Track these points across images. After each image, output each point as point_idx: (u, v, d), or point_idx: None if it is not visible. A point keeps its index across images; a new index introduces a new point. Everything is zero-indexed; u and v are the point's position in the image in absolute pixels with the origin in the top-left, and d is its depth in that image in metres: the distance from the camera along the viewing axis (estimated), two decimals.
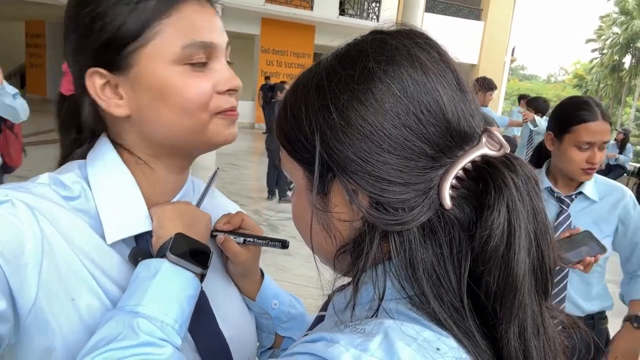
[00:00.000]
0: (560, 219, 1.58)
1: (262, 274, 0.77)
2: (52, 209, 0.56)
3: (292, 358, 0.42)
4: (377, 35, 0.48)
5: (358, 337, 0.40)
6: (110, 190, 0.61)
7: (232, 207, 0.84)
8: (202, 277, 0.61)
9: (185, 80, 0.59)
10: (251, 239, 0.70)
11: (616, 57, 32.37)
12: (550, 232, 0.45)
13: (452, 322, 0.42)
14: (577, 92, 39.80)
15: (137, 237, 0.62)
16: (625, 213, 1.58)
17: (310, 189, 0.48)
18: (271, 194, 6.47)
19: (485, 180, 0.43)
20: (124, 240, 0.60)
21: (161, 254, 0.58)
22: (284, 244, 0.72)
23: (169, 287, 0.55)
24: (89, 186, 0.61)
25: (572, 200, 1.59)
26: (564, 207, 1.59)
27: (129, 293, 0.55)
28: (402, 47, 0.46)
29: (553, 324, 0.47)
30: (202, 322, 0.64)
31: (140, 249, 0.61)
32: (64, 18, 0.61)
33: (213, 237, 0.70)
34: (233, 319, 0.70)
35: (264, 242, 0.71)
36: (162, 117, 0.59)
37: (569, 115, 1.53)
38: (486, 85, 4.66)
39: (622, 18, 31.61)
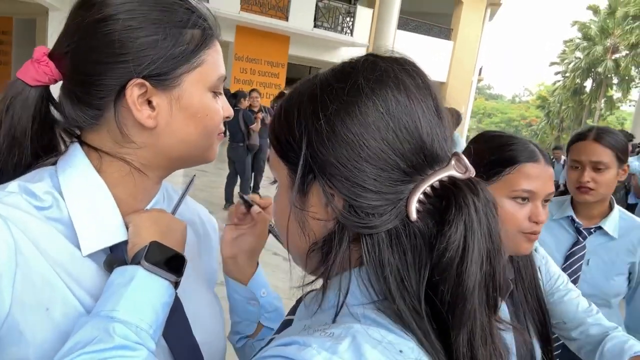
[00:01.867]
0: (575, 249, 1.55)
1: (257, 263, 0.81)
2: (24, 219, 0.56)
3: None
4: (371, 57, 0.53)
5: (328, 340, 0.43)
6: (84, 200, 0.61)
7: (203, 212, 0.86)
8: (176, 285, 0.62)
9: (216, 106, 0.66)
10: (274, 227, 0.75)
11: (578, 80, 33.63)
12: (503, 253, 0.50)
13: (414, 321, 0.46)
14: (540, 113, 41.15)
15: (112, 246, 0.63)
16: None
17: (292, 188, 0.52)
18: (229, 202, 6.33)
19: (448, 198, 0.48)
20: (101, 250, 0.61)
21: (136, 261, 0.58)
22: None
23: (144, 293, 0.56)
24: (61, 195, 0.60)
25: (590, 233, 1.55)
26: (580, 238, 1.56)
27: (104, 299, 0.55)
28: (391, 70, 0.51)
29: (500, 335, 0.51)
30: (175, 327, 0.65)
31: (114, 256, 0.62)
32: (100, 20, 0.59)
33: (249, 206, 0.77)
34: (205, 323, 0.71)
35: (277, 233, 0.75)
36: (187, 134, 0.64)
37: (571, 140, 1.56)
38: (455, 121, 4.87)
39: (585, 43, 32.87)
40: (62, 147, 0.68)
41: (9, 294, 0.52)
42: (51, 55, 0.63)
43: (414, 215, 0.48)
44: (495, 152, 1.01)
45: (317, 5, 14.85)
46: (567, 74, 34.75)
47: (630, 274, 1.55)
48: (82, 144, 0.65)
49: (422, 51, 16.41)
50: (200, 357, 0.68)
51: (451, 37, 18.41)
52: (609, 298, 1.52)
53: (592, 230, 1.56)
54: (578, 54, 33.77)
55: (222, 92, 0.69)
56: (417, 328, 0.46)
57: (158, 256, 0.59)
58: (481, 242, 0.47)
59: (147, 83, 0.60)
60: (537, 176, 0.98)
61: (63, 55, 0.62)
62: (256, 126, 6.38)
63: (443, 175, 0.49)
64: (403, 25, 16.80)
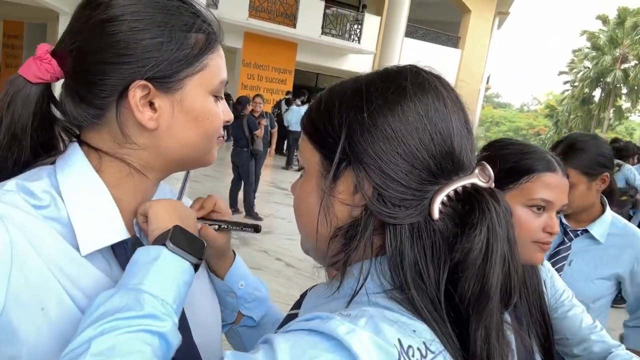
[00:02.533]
0: (560, 248, 1.58)
1: (234, 255, 0.82)
2: (21, 218, 0.56)
3: (290, 334, 0.47)
4: (414, 67, 0.58)
5: (346, 318, 0.47)
6: (83, 200, 0.61)
7: None
8: (196, 267, 0.62)
9: (216, 110, 0.67)
10: (226, 225, 0.74)
11: (586, 90, 33.53)
12: (519, 257, 0.55)
13: (426, 310, 0.50)
14: (548, 122, 40.99)
15: (114, 246, 0.63)
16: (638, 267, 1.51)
17: (323, 174, 0.56)
18: (233, 207, 6.33)
19: (471, 203, 0.52)
20: (98, 250, 0.61)
21: (160, 242, 0.59)
22: (256, 229, 0.77)
23: (169, 271, 0.57)
24: (60, 195, 0.60)
25: (577, 235, 1.58)
26: (566, 239, 1.58)
27: (131, 274, 0.56)
28: (432, 80, 0.56)
29: (507, 333, 0.55)
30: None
31: (138, 240, 0.63)
32: (105, 20, 0.59)
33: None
34: (205, 324, 0.73)
35: (239, 227, 0.76)
36: (188, 137, 0.65)
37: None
38: None
39: (594, 53, 32.84)
40: (61, 146, 0.68)
41: (4, 292, 0.52)
42: (54, 53, 0.63)
43: (436, 214, 0.52)
44: (512, 160, 0.99)
45: (325, 12, 14.94)
46: (576, 84, 34.67)
47: (619, 283, 1.56)
48: (82, 143, 0.65)
49: (430, 59, 16.31)
50: (199, 358, 0.68)
51: (459, 45, 18.44)
52: (587, 301, 1.49)
53: (578, 232, 1.58)
54: (587, 63, 33.71)
55: (223, 96, 0.70)
56: (429, 315, 0.49)
57: (181, 239, 0.60)
58: (502, 245, 0.51)
59: (150, 85, 0.60)
60: (555, 186, 0.98)
61: (66, 53, 0.62)
62: (260, 132, 6.43)
63: (467, 182, 0.54)
64: (411, 33, 16.84)
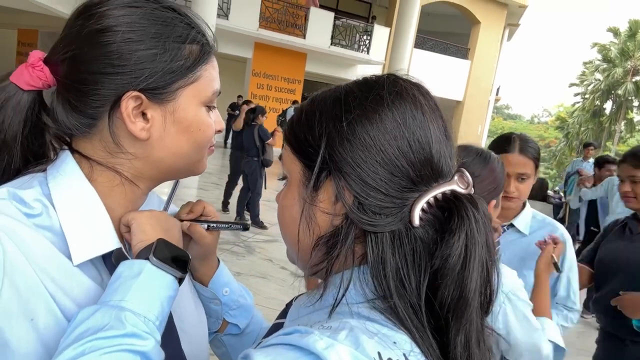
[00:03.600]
0: None
1: (218, 261, 0.82)
2: (13, 226, 0.55)
3: (270, 349, 0.47)
4: (392, 76, 0.58)
5: (327, 331, 0.47)
6: (75, 209, 0.61)
7: None
8: (180, 281, 0.62)
9: (209, 121, 0.67)
10: (214, 224, 0.75)
11: (597, 102, 33.29)
12: (498, 263, 0.55)
13: (408, 318, 0.50)
14: (559, 134, 40.74)
15: (105, 256, 0.62)
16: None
17: (304, 183, 0.56)
18: (239, 216, 6.36)
19: (450, 209, 0.52)
20: (89, 259, 0.60)
21: (143, 256, 0.59)
22: (245, 227, 0.79)
23: (152, 286, 0.57)
24: (52, 203, 0.60)
25: (504, 230, 1.67)
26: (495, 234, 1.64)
27: (112, 290, 0.56)
28: (410, 89, 0.56)
29: (488, 338, 0.55)
30: (165, 337, 0.63)
31: (122, 252, 0.62)
32: (99, 30, 0.59)
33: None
34: (193, 333, 0.73)
35: (226, 226, 0.77)
36: (179, 147, 0.65)
37: (493, 147, 1.67)
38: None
39: (605, 65, 32.68)
40: (52, 154, 0.67)
41: None
42: (47, 61, 0.63)
43: (416, 221, 0.52)
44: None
45: (334, 23, 15.04)
46: (587, 96, 34.45)
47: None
48: (73, 152, 0.64)
49: (439, 70, 16.45)
50: None
51: (468, 56, 18.44)
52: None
53: (505, 227, 1.67)
54: (598, 75, 33.52)
55: (216, 106, 0.70)
56: (411, 324, 0.50)
57: (165, 253, 0.60)
58: (481, 252, 0.51)
59: (143, 96, 0.60)
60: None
61: (59, 61, 0.62)
62: (272, 141, 6.39)
63: (446, 188, 0.54)
64: (420, 44, 16.89)
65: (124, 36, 0.59)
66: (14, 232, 0.54)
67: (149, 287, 0.56)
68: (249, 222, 0.90)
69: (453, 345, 0.50)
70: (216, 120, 0.70)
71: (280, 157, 0.64)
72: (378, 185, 0.52)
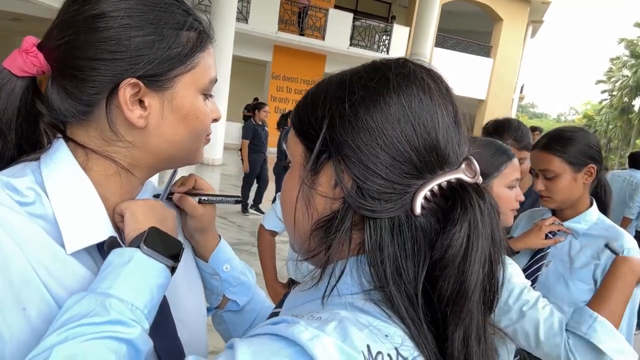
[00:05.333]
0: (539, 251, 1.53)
1: (220, 239, 0.82)
2: (5, 214, 0.54)
3: (255, 339, 0.46)
4: (402, 59, 0.55)
5: (315, 322, 0.45)
6: (69, 197, 0.60)
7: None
8: (172, 270, 0.62)
9: (206, 109, 0.67)
10: (205, 197, 0.75)
11: (626, 99, 32.49)
12: (503, 258, 0.52)
13: (404, 308, 0.48)
14: None
15: (100, 244, 0.61)
16: None
17: (305, 166, 0.54)
18: (255, 207, 6.60)
19: (454, 198, 0.50)
20: (85, 248, 0.60)
21: (134, 245, 0.58)
22: (237, 200, 0.80)
23: (141, 274, 0.56)
24: (45, 192, 0.59)
25: (555, 234, 1.52)
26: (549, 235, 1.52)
27: (101, 277, 0.55)
28: (419, 72, 0.53)
29: (491, 336, 0.53)
30: (161, 327, 0.65)
31: (115, 239, 0.62)
32: (96, 15, 0.58)
33: (169, 198, 0.75)
34: (190, 322, 0.72)
35: (218, 199, 0.77)
36: (177, 135, 0.64)
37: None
38: None
39: (633, 61, 31.89)
40: (46, 143, 0.66)
41: None
42: (41, 46, 0.61)
43: (418, 209, 0.49)
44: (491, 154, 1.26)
45: (353, 24, 15.00)
46: (614, 93, 33.65)
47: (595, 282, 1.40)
48: (68, 140, 0.63)
49: (460, 68, 16.24)
50: (184, 356, 0.66)
51: (491, 54, 18.19)
52: (565, 307, 1.38)
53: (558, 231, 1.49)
54: (626, 71, 32.69)
55: (212, 94, 0.70)
56: (407, 315, 0.48)
57: (157, 241, 0.59)
58: (484, 244, 0.48)
59: (140, 83, 0.59)
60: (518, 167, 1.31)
61: (54, 47, 0.60)
62: None
63: (452, 177, 0.51)
64: (441, 43, 16.72)
65: (122, 22, 0.58)
66: (6, 221, 0.53)
67: (138, 274, 0.56)
68: (241, 197, 0.90)
69: (451, 340, 0.48)
70: (213, 108, 0.69)
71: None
72: (378, 169, 0.50)
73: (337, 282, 0.51)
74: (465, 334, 0.48)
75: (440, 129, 0.51)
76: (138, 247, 0.58)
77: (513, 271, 1.26)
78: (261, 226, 2.20)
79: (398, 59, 0.55)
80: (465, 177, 0.51)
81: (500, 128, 1.89)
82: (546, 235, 1.49)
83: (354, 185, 0.50)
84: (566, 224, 1.47)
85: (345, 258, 0.52)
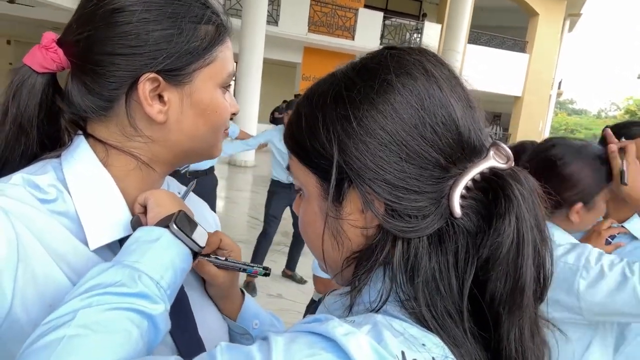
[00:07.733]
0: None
1: (243, 294, 0.78)
2: (28, 212, 0.54)
3: (290, 335, 0.43)
4: (393, 51, 0.50)
5: (348, 323, 0.42)
6: (90, 194, 0.60)
7: (205, 208, 0.84)
8: (194, 256, 0.61)
9: (224, 103, 0.66)
10: (226, 265, 0.69)
11: None
12: (549, 241, 0.48)
13: (439, 327, 0.44)
14: None
15: (121, 240, 0.61)
16: None
17: (323, 197, 0.50)
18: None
19: (494, 190, 0.46)
20: (107, 244, 0.60)
21: (162, 225, 0.58)
22: (266, 271, 0.73)
23: (168, 254, 0.56)
24: (66, 188, 0.59)
25: (613, 237, 1.34)
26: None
27: (128, 251, 0.54)
28: (418, 62, 0.49)
29: (543, 329, 0.50)
30: (182, 325, 0.64)
31: (139, 219, 0.62)
32: (115, 10, 0.58)
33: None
34: (209, 320, 0.71)
35: (241, 267, 0.70)
36: (196, 130, 0.64)
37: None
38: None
39: None
40: (67, 139, 0.67)
41: (11, 289, 0.51)
42: (60, 42, 0.61)
43: (458, 211, 0.46)
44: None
45: (384, 23, 14.86)
46: None
47: None
48: (88, 136, 0.63)
49: (495, 65, 15.87)
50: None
51: (526, 49, 17.67)
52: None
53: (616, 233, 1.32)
54: None
55: (230, 88, 0.69)
56: (444, 332, 0.44)
57: (185, 224, 0.59)
58: (533, 234, 0.45)
59: (160, 78, 0.59)
60: None
61: (73, 43, 0.60)
62: None
63: (484, 166, 0.47)
64: (474, 39, 16.37)
65: (140, 16, 0.58)
66: (28, 218, 0.54)
67: (165, 254, 0.55)
68: (270, 268, 0.80)
69: (507, 341, 0.45)
70: (231, 102, 0.69)
71: (288, 168, 0.57)
72: (409, 184, 0.46)
73: (385, 298, 0.47)
74: (521, 331, 0.46)
75: (459, 119, 0.47)
76: (167, 227, 0.57)
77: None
78: (314, 276, 2.00)
79: (390, 53, 0.50)
80: (498, 164, 0.48)
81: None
82: (606, 240, 1.32)
83: (387, 209, 0.46)
84: (625, 225, 1.31)
85: (380, 268, 0.49)
